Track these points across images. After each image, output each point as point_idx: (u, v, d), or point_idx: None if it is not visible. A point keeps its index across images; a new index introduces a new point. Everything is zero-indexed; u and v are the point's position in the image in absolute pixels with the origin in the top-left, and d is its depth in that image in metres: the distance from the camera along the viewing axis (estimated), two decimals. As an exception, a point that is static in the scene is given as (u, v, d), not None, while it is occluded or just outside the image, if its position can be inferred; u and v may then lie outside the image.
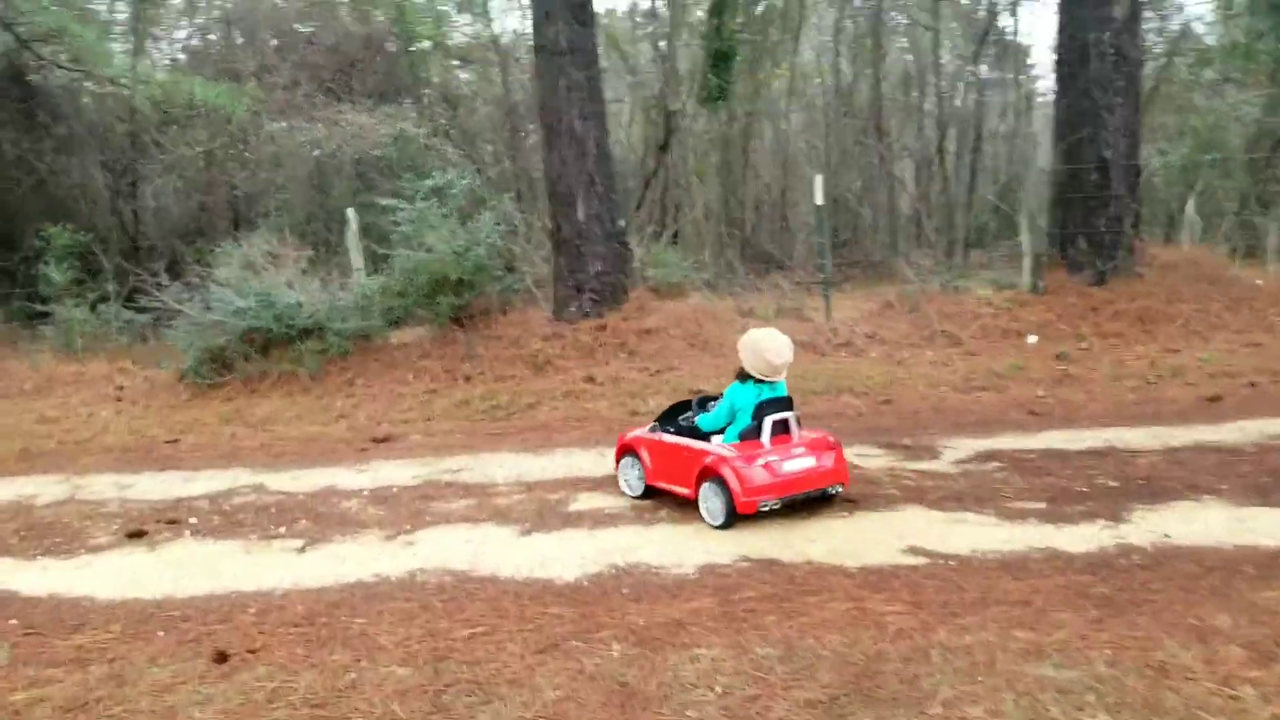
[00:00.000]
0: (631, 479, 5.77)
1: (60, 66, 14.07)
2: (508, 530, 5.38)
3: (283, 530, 5.69)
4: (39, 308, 13.05)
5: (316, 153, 17.19)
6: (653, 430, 5.72)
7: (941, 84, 20.61)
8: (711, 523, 5.15)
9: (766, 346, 5.25)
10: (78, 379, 9.92)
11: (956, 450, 6.48)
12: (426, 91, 21.07)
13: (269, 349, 9.39)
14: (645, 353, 8.91)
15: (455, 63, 23.16)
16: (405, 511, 5.85)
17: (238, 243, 11.69)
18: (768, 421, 5.19)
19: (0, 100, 19.75)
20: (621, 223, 10.42)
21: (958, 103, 21.12)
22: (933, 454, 6.42)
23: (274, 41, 20.85)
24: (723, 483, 5.04)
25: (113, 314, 12.34)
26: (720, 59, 16.53)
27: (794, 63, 21.42)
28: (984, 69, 21.77)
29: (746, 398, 5.26)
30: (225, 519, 5.97)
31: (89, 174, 20.24)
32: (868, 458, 6.36)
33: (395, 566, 4.89)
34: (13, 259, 17.98)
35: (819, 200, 10.40)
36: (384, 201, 9.83)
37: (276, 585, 4.74)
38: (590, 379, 8.63)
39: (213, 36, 22.50)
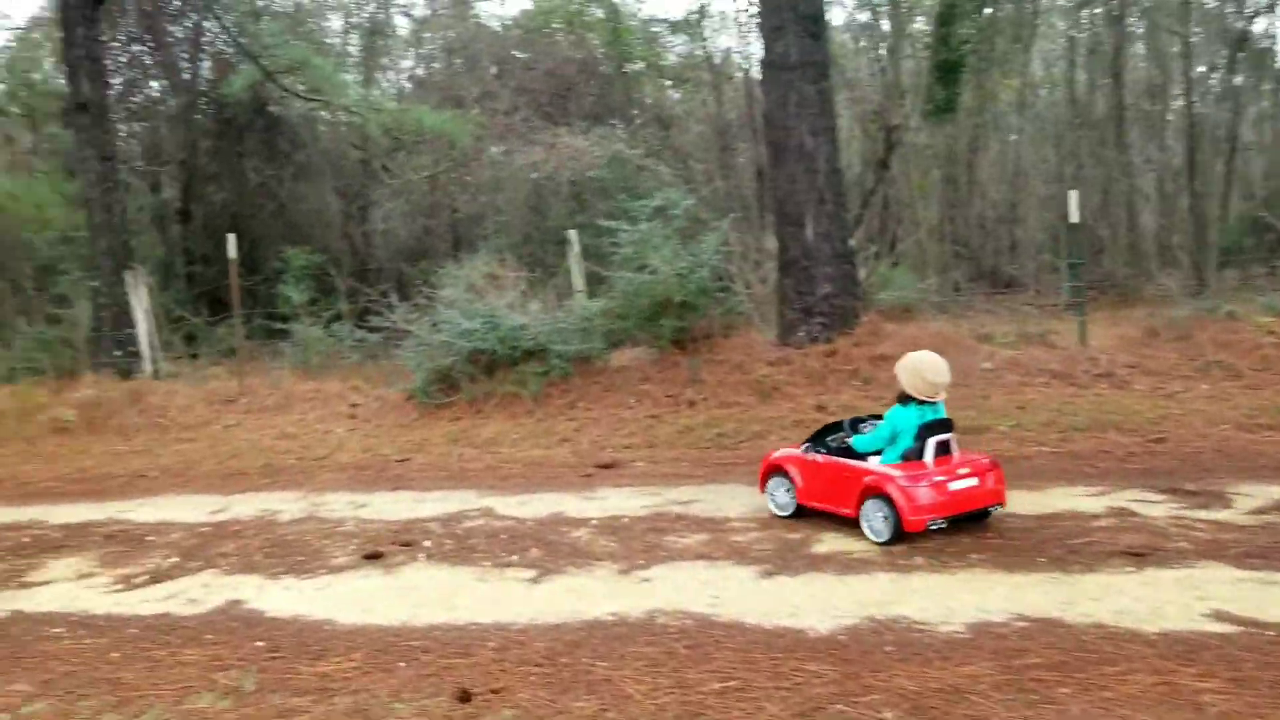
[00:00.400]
0: (781, 499, 5.93)
1: (301, 97, 14.86)
2: (748, 571, 5.08)
3: (515, 559, 5.59)
4: (278, 326, 13.82)
5: (534, 175, 17.56)
6: (805, 450, 5.85)
7: (1189, 93, 19.04)
8: (876, 540, 5.28)
9: (927, 368, 5.44)
10: (315, 396, 10.33)
11: (1251, 498, 5.72)
12: (638, 113, 21.26)
13: (493, 370, 9.48)
14: (880, 380, 8.44)
15: (667, 83, 23.32)
16: (637, 545, 5.64)
17: (459, 264, 12.00)
18: (931, 442, 5.34)
19: (246, 131, 21.29)
20: (852, 242, 10.00)
21: (1206, 111, 19.48)
22: (1223, 502, 5.69)
23: (494, 69, 21.56)
24: (889, 501, 5.18)
25: (345, 333, 12.85)
26: (947, 70, 15.82)
27: (1024, 73, 20.36)
28: (1238, 77, 20.01)
29: (909, 419, 5.40)
30: (458, 543, 5.94)
31: (324, 199, 21.47)
32: (1147, 504, 5.70)
33: (633, 605, 4.67)
34: (255, 279, 19.24)
35: (1074, 218, 9.66)
36: (607, 223, 9.78)
37: (514, 619, 4.60)
38: (820, 407, 8.25)
39: (436, 65, 23.53)
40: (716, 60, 21.07)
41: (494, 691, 3.85)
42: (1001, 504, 5.46)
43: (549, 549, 5.71)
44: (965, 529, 5.34)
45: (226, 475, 8.33)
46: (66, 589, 5.68)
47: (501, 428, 8.94)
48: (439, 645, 4.36)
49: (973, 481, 5.31)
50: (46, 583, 5.83)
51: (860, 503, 5.36)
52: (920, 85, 17.30)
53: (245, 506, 7.25)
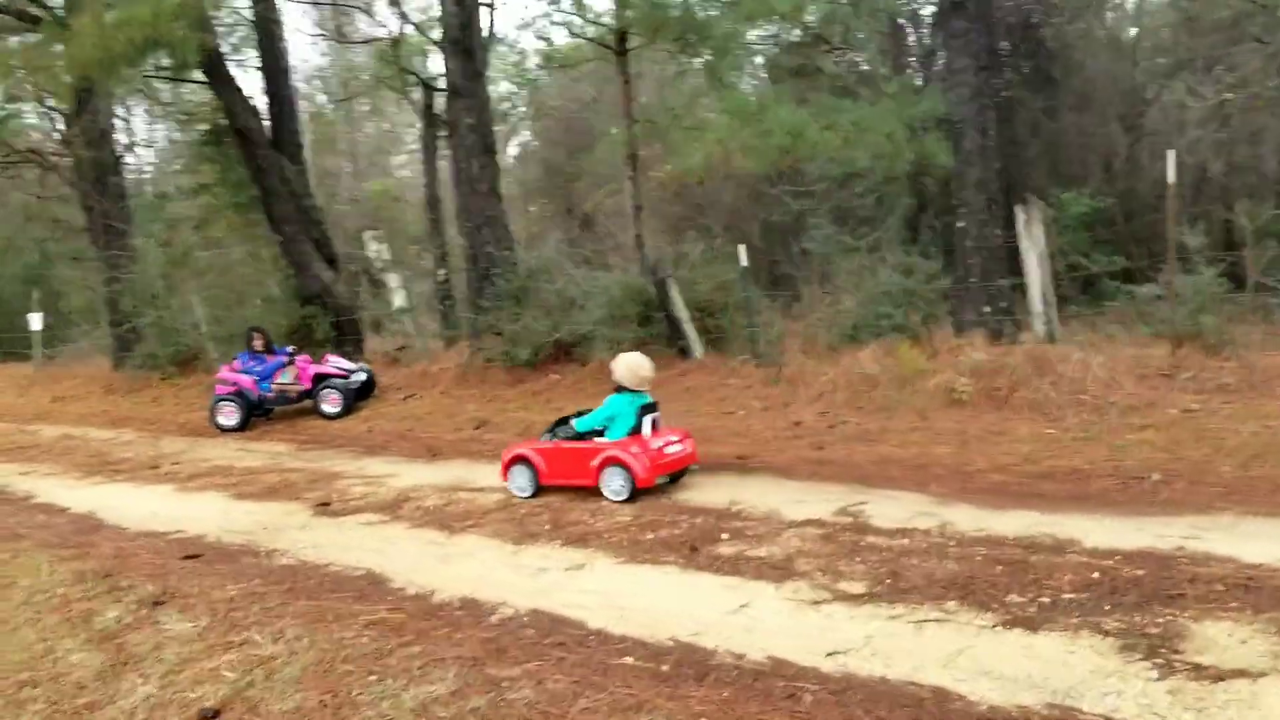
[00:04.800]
0: (522, 483, 7.47)
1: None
2: None
3: None
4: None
5: None
6: (545, 439, 7.56)
7: None
8: (615, 499, 6.96)
9: (639, 365, 7.30)
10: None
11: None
12: None
13: None
14: None
15: None
16: None
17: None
18: (647, 420, 7.19)
19: (1010, 58, 19.00)
20: None
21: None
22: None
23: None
24: (625, 468, 6.91)
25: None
26: None
27: None
28: None
29: (624, 405, 7.18)
30: None
31: (1102, 132, 18.52)
32: None
33: None
34: (1009, 232, 16.96)
35: None
36: None
37: None
38: None
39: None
40: None
41: None
42: (697, 463, 7.54)
43: None
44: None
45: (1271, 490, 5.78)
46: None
47: None
48: None
49: (679, 448, 7.29)
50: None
51: (599, 473, 7.05)
52: None
53: None
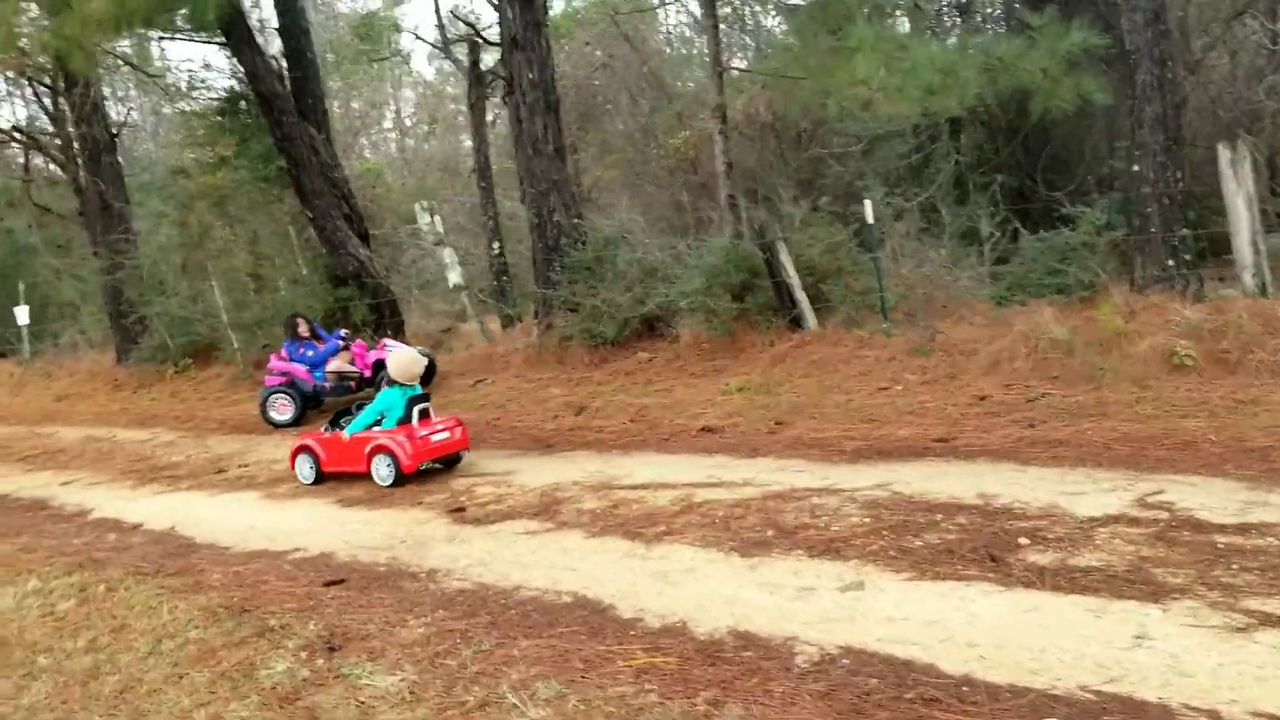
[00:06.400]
0: (306, 471, 8.04)
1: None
2: None
3: None
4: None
5: None
6: (325, 431, 8.15)
7: None
8: (383, 484, 7.56)
9: (411, 362, 7.97)
10: None
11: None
12: None
13: None
14: None
15: None
16: None
17: None
18: (416, 410, 7.72)
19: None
20: None
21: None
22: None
23: None
24: (392, 455, 7.50)
25: None
26: None
27: None
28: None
29: (396, 397, 7.74)
30: None
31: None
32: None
33: None
34: (1052, 193, 16.01)
35: None
36: None
37: None
38: None
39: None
40: None
41: None
42: (467, 449, 8.08)
43: None
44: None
45: None
46: None
47: None
48: None
49: (447, 435, 7.82)
50: None
51: (370, 460, 7.63)
52: None
53: None
